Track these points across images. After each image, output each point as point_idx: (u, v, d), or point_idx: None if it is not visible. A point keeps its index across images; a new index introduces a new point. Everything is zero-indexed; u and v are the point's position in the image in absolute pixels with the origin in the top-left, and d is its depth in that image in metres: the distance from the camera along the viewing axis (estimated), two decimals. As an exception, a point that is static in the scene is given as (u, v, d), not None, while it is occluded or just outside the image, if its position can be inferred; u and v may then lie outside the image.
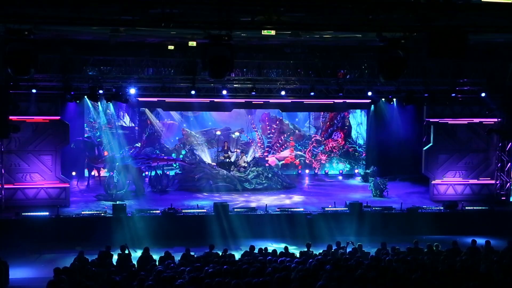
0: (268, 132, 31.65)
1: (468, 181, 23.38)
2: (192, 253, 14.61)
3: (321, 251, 15.10)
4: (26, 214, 19.32)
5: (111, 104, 24.08)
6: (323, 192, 25.46)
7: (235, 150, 29.10)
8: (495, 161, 23.32)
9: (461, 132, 23.24)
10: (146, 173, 27.16)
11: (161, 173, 25.99)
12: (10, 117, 20.21)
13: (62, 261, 14.09)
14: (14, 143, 21.18)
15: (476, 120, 23.18)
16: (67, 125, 22.11)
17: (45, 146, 21.48)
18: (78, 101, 21.93)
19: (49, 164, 21.59)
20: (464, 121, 23.21)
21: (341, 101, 23.68)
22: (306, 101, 23.17)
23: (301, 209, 20.88)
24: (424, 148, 24.02)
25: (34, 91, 20.13)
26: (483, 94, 21.92)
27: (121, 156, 24.69)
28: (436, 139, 23.39)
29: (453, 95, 22.14)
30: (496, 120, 22.92)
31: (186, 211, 20.39)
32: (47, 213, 19.43)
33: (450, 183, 23.35)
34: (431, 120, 23.39)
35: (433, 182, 23.30)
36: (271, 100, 23.13)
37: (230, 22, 10.58)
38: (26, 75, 11.23)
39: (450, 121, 23.18)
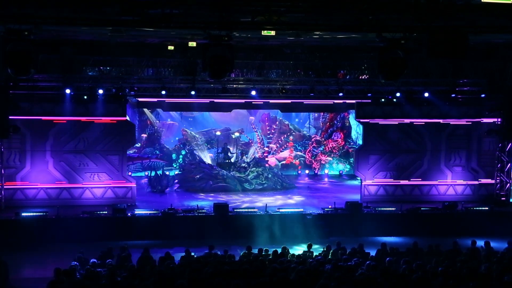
0: (268, 132, 31.68)
1: (399, 182, 23.14)
2: (192, 254, 14.61)
3: (321, 251, 15.11)
4: (26, 214, 19.30)
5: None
6: (323, 193, 25.47)
7: (235, 152, 29.13)
8: (427, 162, 23.14)
9: (392, 132, 22.99)
10: (146, 173, 27.24)
11: (161, 173, 25.99)
12: (80, 118, 21.12)
13: (63, 261, 14.06)
14: (82, 143, 21.56)
15: (407, 121, 22.94)
16: (133, 126, 22.74)
17: (112, 146, 21.81)
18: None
19: (116, 164, 21.91)
20: (394, 121, 22.94)
21: (341, 101, 23.64)
22: (306, 101, 23.15)
23: (301, 210, 20.88)
24: (355, 149, 23.97)
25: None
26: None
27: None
28: (367, 139, 23.21)
29: (453, 95, 22.19)
30: (423, 121, 22.80)
31: (186, 211, 20.38)
32: (47, 213, 19.41)
33: (381, 183, 23.10)
34: (361, 120, 23.23)
35: (363, 183, 23.03)
36: (271, 101, 23.12)
37: (230, 22, 10.60)
38: (26, 75, 11.27)
39: (381, 122, 22.89)
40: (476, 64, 21.32)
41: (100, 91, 20.49)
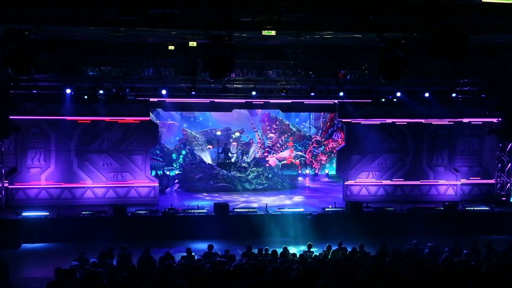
0: (268, 132, 31.68)
1: (382, 182, 23.06)
2: (192, 253, 14.61)
3: (321, 251, 15.11)
4: (26, 214, 19.30)
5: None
6: (323, 193, 25.47)
7: (235, 152, 29.13)
8: (410, 162, 23.04)
9: (374, 132, 22.89)
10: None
11: (161, 173, 26.00)
12: (104, 118, 21.31)
13: (63, 261, 14.05)
14: (106, 143, 21.74)
15: (389, 121, 22.84)
16: (157, 126, 22.91)
17: (135, 146, 21.95)
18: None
19: (139, 164, 22.03)
20: (376, 121, 22.87)
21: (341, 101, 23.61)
22: (306, 101, 23.14)
23: (302, 210, 20.88)
24: (337, 149, 23.86)
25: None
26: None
27: None
28: (349, 139, 23.14)
29: (454, 95, 22.17)
30: (405, 120, 22.74)
31: (186, 211, 20.38)
32: (47, 213, 19.42)
33: (363, 184, 23.02)
34: (343, 120, 23.15)
35: (346, 183, 22.96)
36: (271, 101, 23.11)
37: (230, 22, 10.59)
38: (26, 75, 11.26)
39: (363, 122, 22.81)
40: (476, 64, 21.32)
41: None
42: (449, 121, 22.93)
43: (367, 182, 22.99)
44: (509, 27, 11.80)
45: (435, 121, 22.84)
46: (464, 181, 23.37)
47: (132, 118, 21.75)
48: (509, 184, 23.05)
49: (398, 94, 21.85)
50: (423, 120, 22.88)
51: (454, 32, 10.36)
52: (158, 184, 22.30)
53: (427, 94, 21.92)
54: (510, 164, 23.02)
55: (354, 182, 22.94)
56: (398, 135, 22.98)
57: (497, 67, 21.47)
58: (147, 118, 21.94)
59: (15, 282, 14.65)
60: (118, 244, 15.00)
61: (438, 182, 23.17)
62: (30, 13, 10.23)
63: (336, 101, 22.61)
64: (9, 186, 21.07)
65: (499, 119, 22.59)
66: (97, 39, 18.48)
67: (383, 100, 22.52)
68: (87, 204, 20.98)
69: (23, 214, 19.25)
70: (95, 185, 21.65)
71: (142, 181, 22.00)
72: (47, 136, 21.32)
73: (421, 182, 23.16)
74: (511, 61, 21.10)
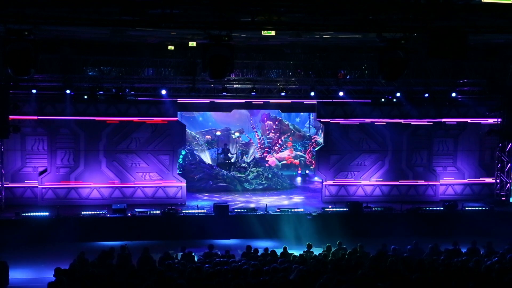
0: (268, 132, 31.67)
1: (360, 182, 23.01)
2: (192, 254, 14.61)
3: (321, 251, 15.10)
4: (26, 214, 19.30)
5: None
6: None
7: (235, 153, 29.11)
8: (389, 162, 23.01)
9: (353, 132, 22.87)
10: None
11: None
12: (132, 119, 21.53)
13: (63, 261, 14.05)
14: (134, 143, 21.88)
15: (368, 121, 22.80)
16: (184, 126, 22.91)
17: (163, 146, 22.08)
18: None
19: (167, 164, 22.14)
20: (355, 121, 22.82)
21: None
22: (306, 101, 23.12)
23: (301, 210, 20.88)
24: (316, 149, 23.82)
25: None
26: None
27: None
28: (328, 139, 23.09)
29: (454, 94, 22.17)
30: (384, 120, 22.69)
31: (186, 211, 20.38)
32: (47, 213, 19.41)
33: (342, 184, 22.98)
34: (322, 120, 23.11)
35: (324, 183, 22.93)
36: (271, 101, 23.11)
37: (230, 22, 10.59)
38: (26, 75, 11.27)
39: (342, 122, 22.76)
40: (476, 64, 21.32)
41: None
42: (428, 121, 22.87)
43: (346, 182, 22.96)
44: (509, 27, 11.79)
45: (414, 121, 22.79)
46: (461, 181, 23.42)
47: (160, 119, 21.91)
48: (509, 184, 23.06)
49: (398, 94, 21.86)
50: (402, 120, 22.83)
51: (454, 32, 10.35)
52: (185, 184, 22.42)
53: (426, 94, 21.94)
54: (510, 164, 23.03)
55: (333, 182, 22.93)
56: (377, 135, 22.89)
57: (497, 67, 21.46)
58: (175, 119, 22.14)
59: (15, 283, 14.66)
60: (118, 244, 15.01)
61: (417, 182, 23.14)
62: (30, 13, 10.22)
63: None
64: (39, 186, 21.24)
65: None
66: (97, 39, 18.47)
67: (383, 100, 22.51)
68: (116, 203, 21.02)
69: (23, 214, 19.28)
70: (123, 185, 21.80)
71: (169, 181, 22.12)
72: (77, 136, 21.53)
73: (400, 182, 23.12)
74: (511, 61, 21.09)
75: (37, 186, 21.27)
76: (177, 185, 22.16)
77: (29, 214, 19.38)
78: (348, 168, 22.95)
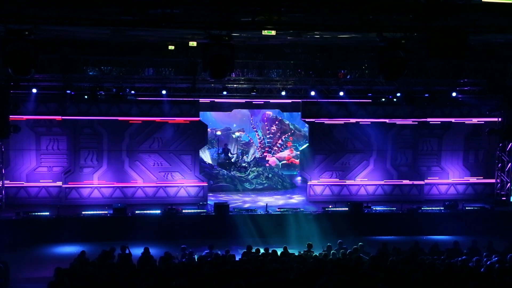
0: (268, 132, 31.66)
1: (345, 182, 22.97)
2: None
3: (321, 251, 15.11)
4: (26, 214, 19.29)
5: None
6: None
7: (235, 153, 29.10)
8: (373, 162, 22.97)
9: (338, 132, 22.80)
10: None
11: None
12: (155, 119, 21.65)
13: (63, 261, 14.05)
14: (157, 143, 21.98)
15: (353, 121, 22.73)
16: (206, 126, 22.99)
17: (185, 146, 22.18)
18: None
19: (189, 164, 22.22)
20: (340, 121, 22.75)
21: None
22: (306, 101, 23.10)
23: (302, 209, 20.88)
24: (300, 148, 23.61)
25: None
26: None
27: None
28: (313, 139, 23.04)
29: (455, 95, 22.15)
30: (369, 120, 22.60)
31: (186, 211, 20.39)
32: (48, 213, 19.41)
33: (327, 183, 22.94)
34: (307, 120, 23.07)
35: (309, 182, 22.90)
36: (271, 100, 23.11)
37: (230, 22, 10.59)
38: (26, 75, 11.26)
39: (326, 121, 22.68)
40: (476, 64, 21.32)
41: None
42: (413, 121, 22.82)
43: (330, 182, 22.94)
44: (509, 27, 11.80)
45: (399, 121, 22.77)
46: (459, 180, 23.42)
47: (182, 119, 21.97)
48: (509, 184, 23.05)
49: (398, 94, 21.84)
50: (387, 120, 22.79)
51: (454, 32, 10.36)
52: (207, 184, 22.51)
53: (426, 94, 21.94)
54: (510, 164, 23.03)
55: (318, 182, 22.91)
56: (362, 135, 22.83)
57: (497, 67, 21.46)
58: (197, 119, 22.18)
59: (15, 282, 14.66)
60: (118, 244, 15.01)
61: (402, 182, 23.10)
62: (30, 13, 10.23)
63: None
64: (63, 185, 21.35)
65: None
66: (97, 39, 18.47)
67: (383, 100, 22.49)
68: (138, 203, 21.29)
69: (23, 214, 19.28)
70: (146, 184, 21.91)
71: (191, 181, 22.20)
72: (100, 136, 21.62)
73: (385, 182, 23.08)
74: (511, 61, 21.09)
75: (52, 186, 21.35)
76: (199, 185, 22.23)
77: (30, 214, 19.34)
78: (333, 168, 22.92)
